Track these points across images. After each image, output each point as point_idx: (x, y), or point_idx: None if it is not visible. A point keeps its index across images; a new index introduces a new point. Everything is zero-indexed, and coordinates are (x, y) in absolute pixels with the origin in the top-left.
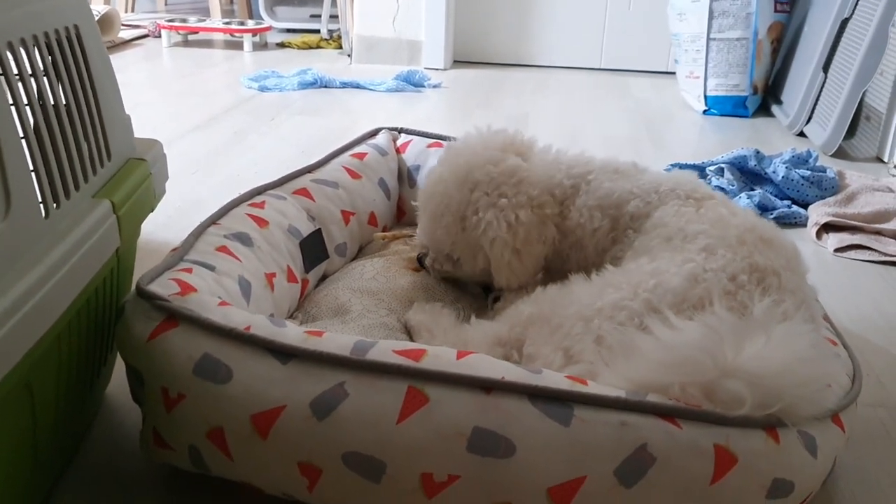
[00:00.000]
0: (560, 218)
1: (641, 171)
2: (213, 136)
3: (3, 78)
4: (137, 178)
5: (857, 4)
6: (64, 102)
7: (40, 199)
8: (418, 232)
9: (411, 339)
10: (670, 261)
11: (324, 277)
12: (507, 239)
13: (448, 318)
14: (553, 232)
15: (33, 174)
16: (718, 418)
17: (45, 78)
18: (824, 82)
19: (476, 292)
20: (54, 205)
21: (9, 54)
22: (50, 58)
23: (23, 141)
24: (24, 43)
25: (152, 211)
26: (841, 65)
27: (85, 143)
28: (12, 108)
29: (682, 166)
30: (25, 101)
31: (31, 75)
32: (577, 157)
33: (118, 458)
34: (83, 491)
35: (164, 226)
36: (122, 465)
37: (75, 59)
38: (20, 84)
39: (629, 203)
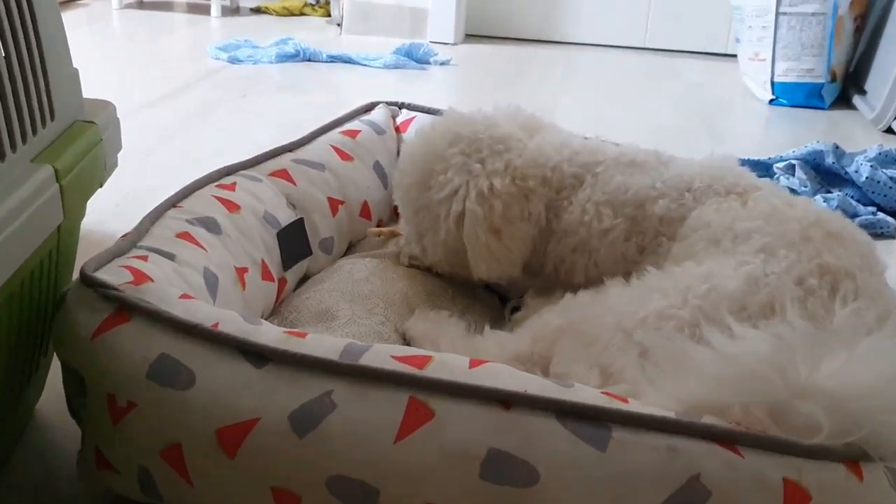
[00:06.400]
0: (555, 208)
1: (665, 161)
2: (171, 113)
3: None
4: (85, 143)
5: None
6: (1, 48)
7: None
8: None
9: None
10: (723, 264)
11: (305, 278)
12: (479, 212)
13: (456, 327)
14: (540, 209)
15: None
16: (789, 447)
17: None
18: None
19: (491, 301)
20: None
21: None
22: None
23: None
24: None
25: (101, 186)
26: None
27: (24, 96)
28: None
29: (742, 162)
30: None
31: None
32: (587, 144)
33: (49, 481)
34: None
35: (113, 214)
36: (54, 488)
37: None
38: None
39: (655, 203)
